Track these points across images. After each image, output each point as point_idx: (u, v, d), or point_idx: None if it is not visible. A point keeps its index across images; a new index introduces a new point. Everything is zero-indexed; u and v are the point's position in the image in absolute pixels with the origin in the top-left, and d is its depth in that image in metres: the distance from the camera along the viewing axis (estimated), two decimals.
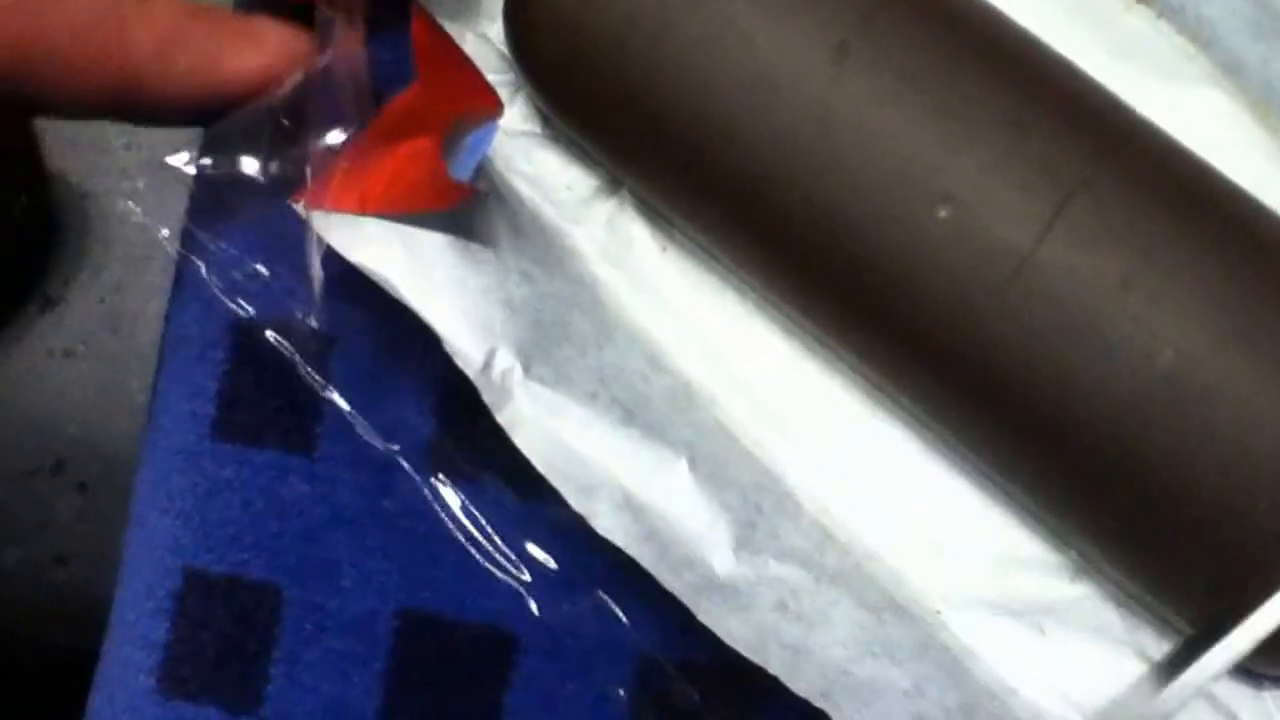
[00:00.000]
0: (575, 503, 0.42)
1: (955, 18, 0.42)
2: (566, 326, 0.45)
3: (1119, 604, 0.44)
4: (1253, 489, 0.38)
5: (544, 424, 0.43)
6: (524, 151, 0.47)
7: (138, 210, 0.43)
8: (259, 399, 0.48)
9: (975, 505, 0.45)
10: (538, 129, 0.48)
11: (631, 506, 0.42)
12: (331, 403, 0.47)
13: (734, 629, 0.41)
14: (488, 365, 0.43)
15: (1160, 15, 0.46)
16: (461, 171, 0.42)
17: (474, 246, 0.44)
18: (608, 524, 0.42)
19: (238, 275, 0.45)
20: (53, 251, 1.33)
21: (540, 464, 0.42)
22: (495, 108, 0.43)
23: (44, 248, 1.32)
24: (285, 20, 0.45)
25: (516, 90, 0.48)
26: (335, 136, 0.44)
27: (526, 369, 0.43)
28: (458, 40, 0.46)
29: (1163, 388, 0.38)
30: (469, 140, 0.43)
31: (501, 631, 0.46)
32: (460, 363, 0.42)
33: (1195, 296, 0.39)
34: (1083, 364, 0.39)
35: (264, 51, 0.44)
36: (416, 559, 0.47)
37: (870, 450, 0.46)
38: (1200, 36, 0.46)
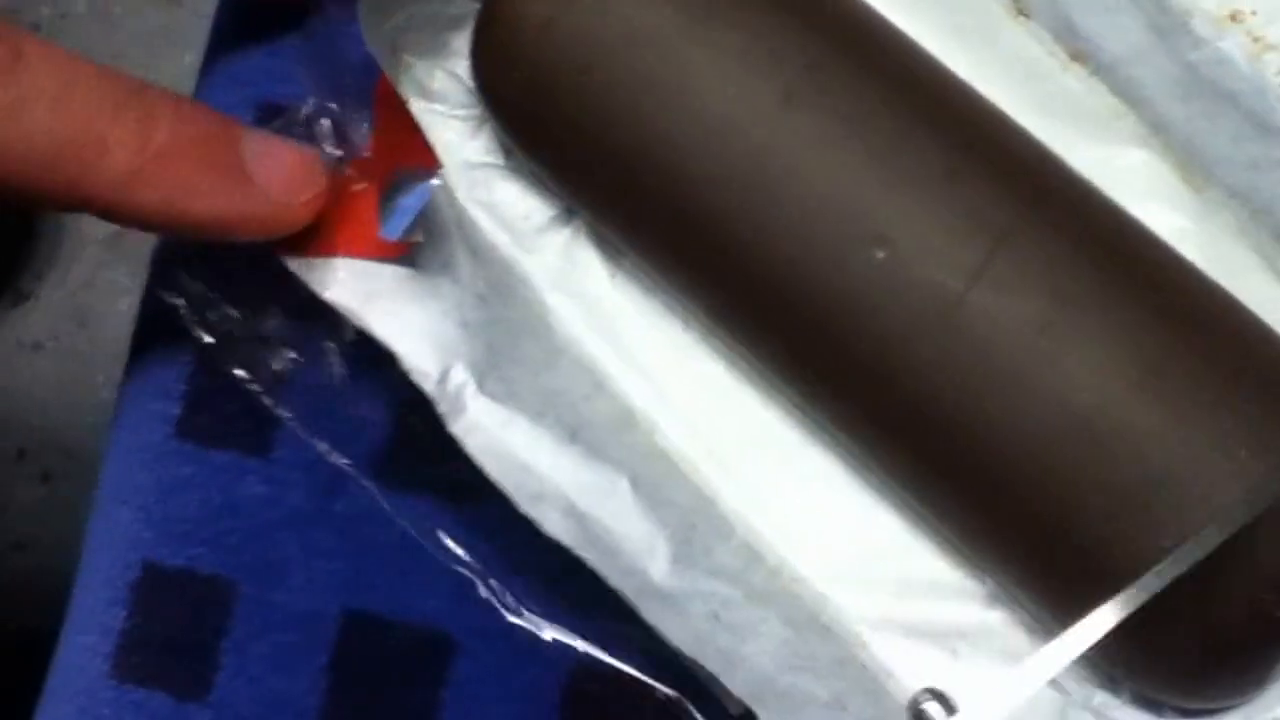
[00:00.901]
0: (524, 508, 0.43)
1: (896, 69, 0.44)
2: (517, 349, 0.46)
3: (1030, 631, 0.45)
4: (1160, 532, 0.39)
5: (495, 435, 0.44)
6: (485, 183, 0.48)
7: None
8: (221, 402, 0.49)
9: (898, 534, 0.46)
10: (500, 161, 0.49)
11: (576, 515, 0.43)
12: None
13: (673, 630, 0.43)
14: (443, 380, 0.44)
15: (1093, 74, 0.47)
16: (391, 231, 0.43)
17: (434, 271, 0.45)
18: (555, 528, 0.43)
19: (209, 312, 0.47)
20: (26, 248, 1.33)
21: (491, 472, 0.43)
22: (434, 167, 0.44)
23: (18, 244, 1.33)
24: (304, 154, 0.44)
25: (481, 124, 0.49)
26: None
27: (480, 385, 0.44)
28: (427, 77, 0.48)
29: (1079, 430, 0.40)
30: (402, 201, 0.43)
31: (439, 632, 0.48)
32: (416, 378, 0.44)
33: (1113, 345, 0.40)
34: (1005, 404, 0.40)
35: (248, 197, 0.43)
36: (363, 561, 0.48)
37: (801, 479, 0.47)
38: (1130, 96, 0.46)
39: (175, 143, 0.41)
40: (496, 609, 0.46)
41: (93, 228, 1.33)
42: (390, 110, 0.44)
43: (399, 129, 0.44)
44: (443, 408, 0.44)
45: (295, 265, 0.45)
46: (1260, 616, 0.40)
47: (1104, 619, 0.38)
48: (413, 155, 0.44)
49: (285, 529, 0.48)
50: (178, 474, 0.49)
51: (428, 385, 0.44)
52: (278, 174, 0.43)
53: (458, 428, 0.44)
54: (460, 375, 0.44)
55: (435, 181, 0.44)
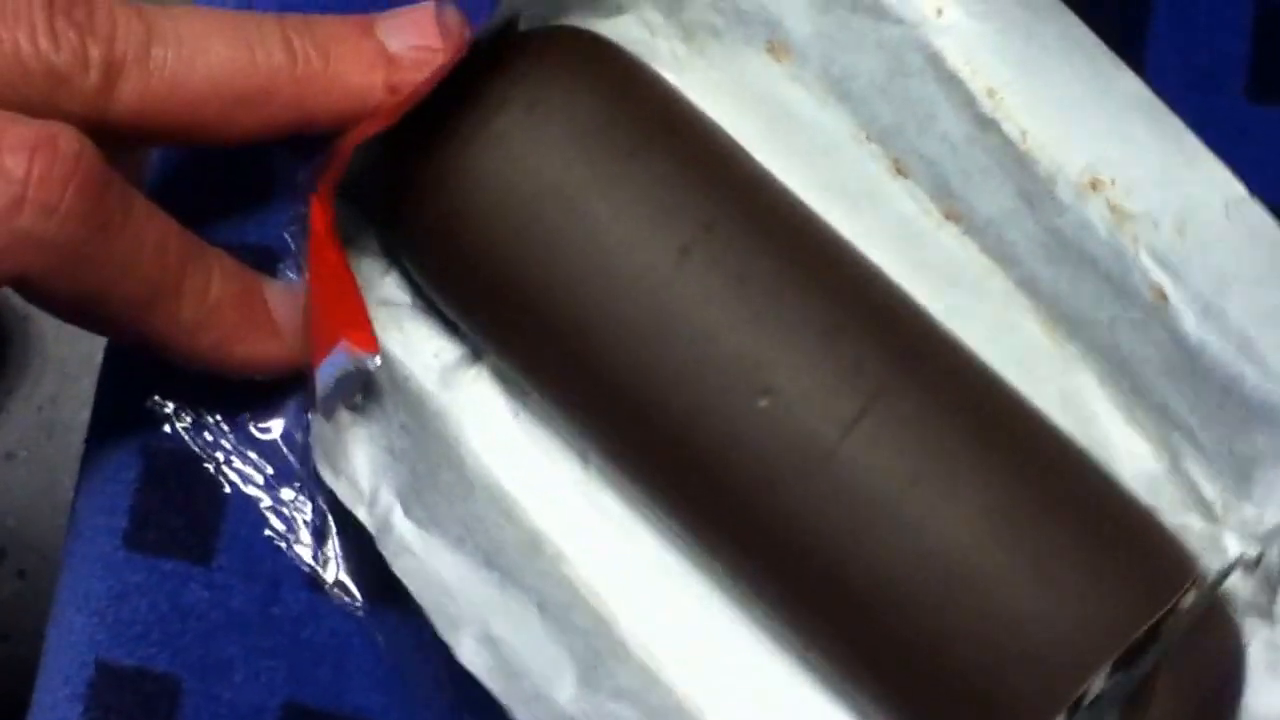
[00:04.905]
0: (443, 633, 0.44)
1: (785, 230, 0.45)
2: (436, 478, 0.47)
3: None
4: (1006, 669, 0.41)
5: (420, 559, 0.45)
6: (397, 321, 0.50)
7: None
8: (166, 516, 0.51)
9: (779, 660, 0.48)
10: (409, 300, 0.50)
11: (490, 641, 0.44)
12: (228, 522, 0.50)
13: None
14: (373, 502, 0.45)
15: (966, 233, 0.48)
16: (316, 403, 0.44)
17: (365, 398, 0.47)
18: (469, 656, 0.44)
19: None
20: None
21: (416, 593, 0.44)
22: (373, 351, 0.44)
23: None
24: None
25: (392, 263, 0.50)
26: None
27: (406, 510, 0.45)
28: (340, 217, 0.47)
29: (939, 574, 0.42)
30: (337, 379, 0.44)
31: None
32: (345, 499, 0.46)
33: (978, 498, 0.42)
34: (873, 548, 0.42)
35: (275, 343, 0.46)
36: (300, 659, 0.50)
37: (689, 607, 0.48)
38: (1000, 255, 0.48)
39: (224, 296, 0.44)
40: (427, 701, 0.48)
41: (57, 348, 1.37)
42: (323, 281, 0.45)
43: (340, 298, 0.44)
44: (372, 528, 0.45)
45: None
46: None
47: None
48: (355, 330, 0.44)
49: (229, 631, 0.50)
50: (128, 581, 0.51)
51: (359, 509, 0.45)
52: (296, 322, 0.46)
53: (387, 550, 0.45)
54: (387, 498, 0.46)
55: (370, 366, 0.44)
